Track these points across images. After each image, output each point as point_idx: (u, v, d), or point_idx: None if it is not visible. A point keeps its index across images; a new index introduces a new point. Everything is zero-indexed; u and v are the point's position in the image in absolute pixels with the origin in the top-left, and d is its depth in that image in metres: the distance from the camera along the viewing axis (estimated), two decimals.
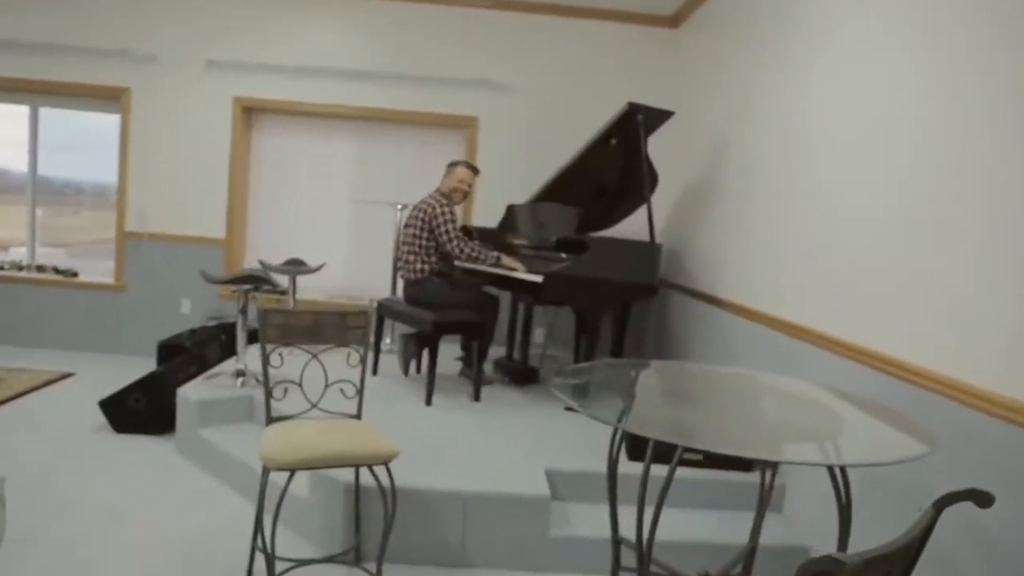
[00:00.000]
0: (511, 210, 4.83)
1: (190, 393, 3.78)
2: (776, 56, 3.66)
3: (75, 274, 5.80)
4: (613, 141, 4.47)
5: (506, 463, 3.10)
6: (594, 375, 2.54)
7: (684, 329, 4.70)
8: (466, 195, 4.34)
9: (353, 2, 5.50)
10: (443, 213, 4.09)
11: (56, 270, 5.80)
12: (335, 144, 5.77)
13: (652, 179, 4.46)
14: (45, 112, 5.77)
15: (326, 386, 2.76)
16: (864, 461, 1.67)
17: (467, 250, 4.08)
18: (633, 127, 4.24)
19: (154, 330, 5.58)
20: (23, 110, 5.76)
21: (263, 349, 2.61)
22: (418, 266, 4.16)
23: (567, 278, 3.80)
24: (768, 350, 3.42)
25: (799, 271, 3.20)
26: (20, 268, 5.82)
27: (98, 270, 5.83)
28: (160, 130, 5.58)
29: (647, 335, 5.54)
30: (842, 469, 1.84)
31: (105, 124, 5.74)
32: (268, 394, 2.60)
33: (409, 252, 4.19)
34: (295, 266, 5.07)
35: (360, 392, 2.74)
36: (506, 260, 4.14)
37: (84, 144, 5.82)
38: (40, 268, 5.83)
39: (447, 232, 4.08)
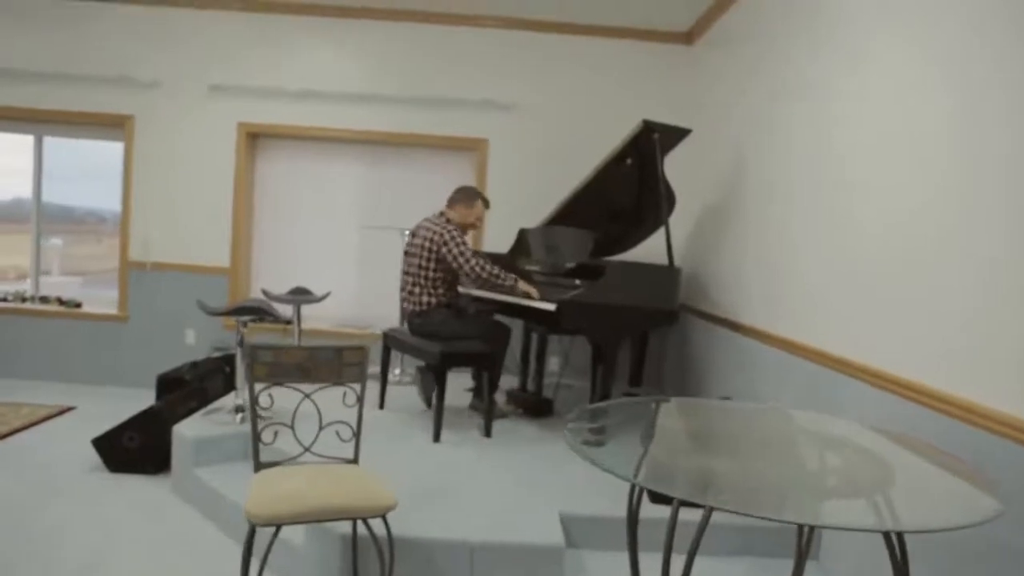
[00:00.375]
0: (523, 235, 4.63)
1: (185, 430, 3.60)
2: (798, 70, 3.46)
3: (78, 305, 5.67)
4: (628, 161, 4.28)
5: (517, 507, 2.87)
6: (611, 416, 2.32)
7: (706, 357, 4.46)
8: (475, 229, 4.17)
9: (357, 25, 5.38)
10: (452, 237, 3.88)
11: (60, 301, 5.68)
12: (342, 169, 5.63)
13: (670, 200, 4.26)
14: (62, 141, 5.68)
15: (320, 428, 2.56)
16: (925, 526, 1.43)
17: (489, 269, 3.85)
18: (649, 146, 4.05)
19: (158, 361, 5.41)
20: (29, 139, 5.68)
21: (251, 389, 2.42)
22: (424, 298, 3.95)
23: (581, 305, 3.59)
24: (797, 381, 3.18)
25: (830, 295, 2.97)
26: (24, 299, 5.70)
27: (109, 300, 5.70)
28: (163, 158, 5.47)
29: (667, 363, 5.30)
30: (899, 535, 1.60)
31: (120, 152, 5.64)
32: (256, 438, 2.41)
33: (414, 284, 3.98)
34: (300, 295, 4.90)
35: (357, 434, 2.54)
36: (523, 286, 3.93)
37: (104, 172, 5.72)
38: (44, 299, 5.71)
39: (462, 254, 3.85)
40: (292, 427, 2.51)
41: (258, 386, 2.41)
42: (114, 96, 5.41)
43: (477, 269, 3.84)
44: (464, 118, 5.38)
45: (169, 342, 5.52)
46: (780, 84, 3.67)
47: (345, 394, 2.55)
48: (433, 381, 4.14)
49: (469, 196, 4.11)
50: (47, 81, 5.39)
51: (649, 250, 4.50)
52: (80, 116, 5.44)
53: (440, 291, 3.94)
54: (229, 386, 4.69)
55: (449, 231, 3.90)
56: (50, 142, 5.69)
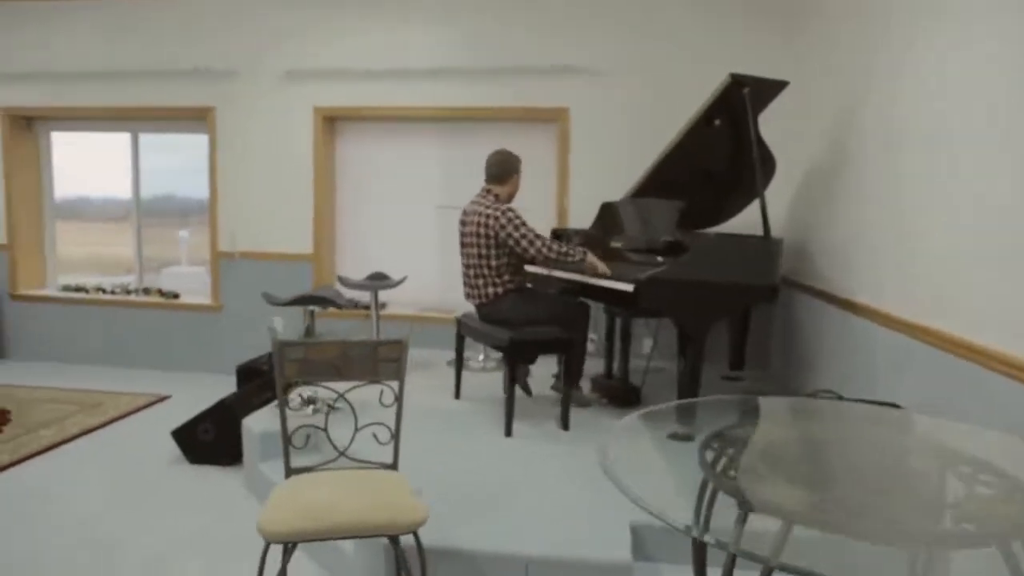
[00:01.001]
0: (604, 209, 4.27)
1: (253, 424, 3.53)
2: None
3: (176, 296, 5.81)
4: (717, 122, 3.82)
5: (584, 513, 2.57)
6: (700, 420, 1.97)
7: (815, 338, 3.96)
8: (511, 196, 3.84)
9: None
10: (511, 220, 3.54)
11: (160, 292, 5.85)
12: (419, 148, 5.44)
13: (766, 164, 3.78)
14: (160, 137, 5.83)
15: (355, 431, 2.35)
16: None
17: (556, 248, 3.52)
18: (738, 103, 3.59)
19: (249, 350, 5.45)
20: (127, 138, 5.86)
21: (279, 388, 2.24)
22: (488, 290, 3.66)
23: (661, 284, 3.21)
24: (923, 373, 2.68)
25: (972, 270, 2.45)
26: (128, 292, 5.91)
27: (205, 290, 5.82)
28: (244, 147, 5.47)
29: (772, 344, 4.80)
30: None
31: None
32: (286, 441, 2.23)
33: (476, 276, 3.69)
34: (377, 281, 4.77)
35: (396, 437, 2.31)
36: (591, 258, 3.58)
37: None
38: (146, 291, 5.89)
39: (524, 236, 3.52)
40: (326, 430, 2.32)
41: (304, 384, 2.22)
42: (196, 88, 5.45)
43: (544, 251, 3.52)
44: (542, 87, 5.05)
45: (259, 331, 5.55)
46: (905, 10, 3.10)
47: (382, 393, 2.33)
48: (523, 367, 3.89)
49: (510, 164, 3.77)
50: (137, 79, 5.50)
51: (749, 220, 4.02)
52: (167, 111, 5.54)
53: (505, 278, 3.64)
54: None
55: (504, 213, 3.56)
56: (149, 138, 5.84)
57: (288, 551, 1.90)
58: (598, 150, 5.02)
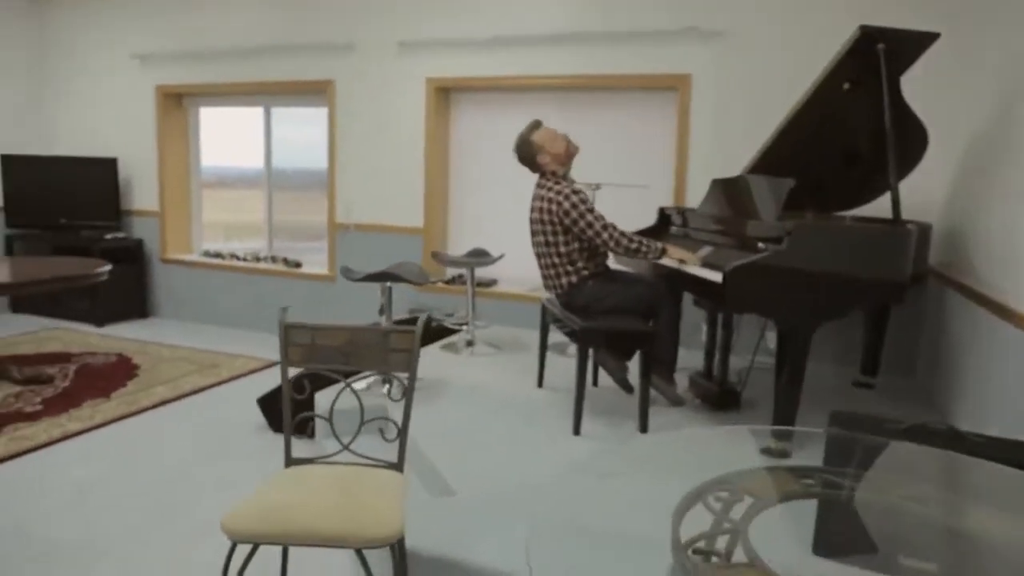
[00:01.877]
0: (714, 187, 3.81)
1: (323, 398, 3.49)
2: None
3: (299, 264, 6.00)
4: (846, 86, 3.24)
5: (632, 537, 2.24)
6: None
7: (964, 349, 3.30)
8: (572, 143, 3.40)
9: None
10: (571, 200, 3.20)
11: (285, 260, 6.07)
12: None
13: (911, 134, 3.17)
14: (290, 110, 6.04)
15: (361, 423, 2.19)
16: None
17: (624, 241, 3.18)
18: (871, 62, 3.00)
19: (358, 321, 5.53)
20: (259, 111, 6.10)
21: (284, 374, 2.12)
22: (563, 280, 3.35)
23: (755, 275, 2.76)
24: None
25: None
26: (258, 259, 6.19)
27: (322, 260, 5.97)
28: (360, 119, 5.49)
29: (920, 350, 4.11)
30: None
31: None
32: (288, 429, 2.11)
33: (547, 266, 3.39)
34: (476, 257, 4.61)
35: (402, 435, 2.12)
36: (674, 251, 3.19)
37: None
38: (273, 259, 6.14)
39: (590, 225, 3.18)
40: (330, 420, 2.17)
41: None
42: (318, 63, 5.53)
43: (612, 243, 3.16)
44: (663, 52, 4.59)
45: (369, 302, 5.58)
46: None
47: (391, 387, 2.14)
48: (615, 361, 3.57)
49: (527, 146, 3.38)
50: (269, 55, 5.67)
51: (908, 204, 3.40)
52: (295, 85, 5.67)
53: (579, 264, 3.31)
54: None
55: (566, 195, 3.21)
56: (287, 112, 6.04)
57: (250, 553, 1.76)
58: (722, 121, 4.50)
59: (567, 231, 3.24)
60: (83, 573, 2.48)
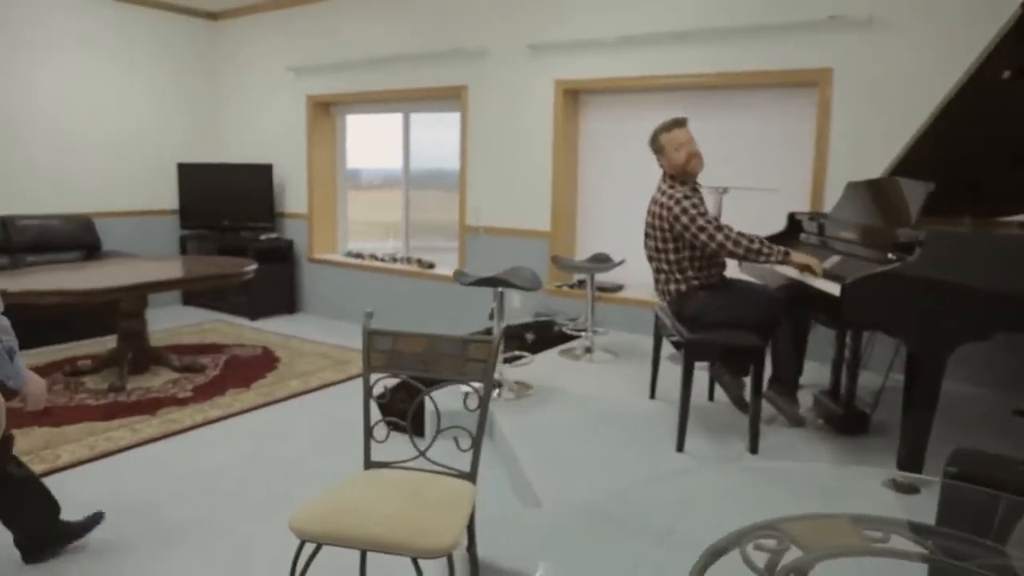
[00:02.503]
0: (848, 190, 3.50)
1: (430, 400, 3.56)
2: None
3: (432, 265, 6.19)
4: (1007, 74, 2.86)
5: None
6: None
7: None
8: (700, 156, 3.16)
9: None
10: (681, 205, 3.01)
11: (419, 262, 6.27)
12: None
13: None
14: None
15: (437, 431, 2.19)
16: None
17: (744, 241, 2.94)
18: None
19: (483, 322, 5.61)
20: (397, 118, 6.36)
21: (365, 379, 2.17)
22: (671, 287, 3.18)
23: (877, 289, 2.49)
24: None
25: None
26: (395, 259, 6.45)
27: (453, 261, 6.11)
28: (490, 123, 5.56)
29: None
30: None
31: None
32: (368, 434, 2.16)
33: (658, 271, 3.24)
34: (597, 262, 4.53)
35: (476, 444, 2.11)
36: (798, 257, 2.95)
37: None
38: (408, 260, 6.37)
39: (702, 227, 2.97)
40: (408, 426, 2.20)
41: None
42: (452, 69, 5.66)
43: (729, 245, 2.94)
44: (800, 46, 4.28)
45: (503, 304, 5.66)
46: None
47: (467, 396, 2.14)
48: (730, 377, 3.39)
49: (653, 141, 3.21)
50: (406, 63, 5.89)
51: None
52: (431, 92, 5.84)
53: (689, 274, 3.13)
54: (531, 351, 4.57)
55: (675, 198, 3.03)
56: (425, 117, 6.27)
57: (315, 551, 1.82)
58: (867, 119, 4.12)
59: (678, 238, 3.08)
60: (201, 550, 2.69)
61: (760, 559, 1.13)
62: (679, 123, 3.18)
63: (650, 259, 3.28)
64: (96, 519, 2.72)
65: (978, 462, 1.82)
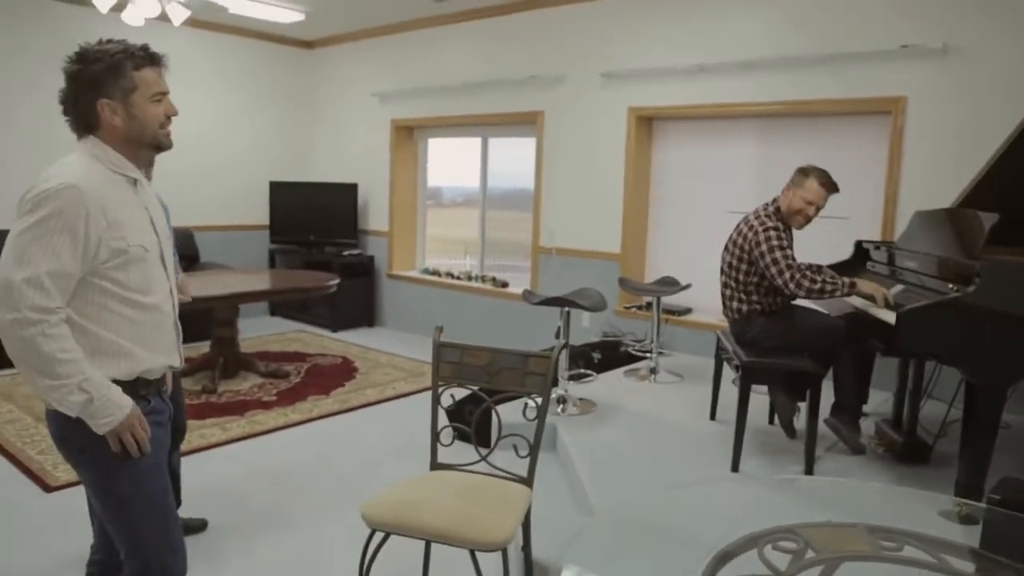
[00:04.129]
0: (915, 220, 3.51)
1: (494, 412, 3.73)
2: None
3: (505, 284, 6.39)
4: None
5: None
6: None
7: None
8: (810, 220, 3.24)
9: None
10: (767, 234, 3.11)
11: (493, 280, 6.49)
12: (734, 148, 5.07)
13: None
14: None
15: (498, 438, 2.36)
16: None
17: (805, 283, 3.01)
18: None
19: (553, 341, 5.75)
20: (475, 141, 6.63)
21: (434, 388, 2.36)
22: (735, 305, 3.28)
23: (934, 319, 2.53)
24: None
25: None
26: (470, 277, 6.69)
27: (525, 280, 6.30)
28: (565, 148, 5.74)
29: None
30: None
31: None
32: (435, 436, 2.35)
33: (725, 286, 3.34)
34: (664, 286, 4.63)
35: (534, 451, 2.27)
36: (864, 285, 2.99)
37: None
38: (483, 278, 6.60)
39: (775, 260, 3.05)
40: (472, 432, 2.37)
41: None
42: (530, 95, 5.88)
43: (796, 283, 3.01)
44: (874, 74, 4.30)
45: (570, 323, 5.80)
46: None
47: (526, 406, 2.30)
48: (787, 399, 3.45)
49: (799, 174, 3.24)
50: (485, 89, 6.16)
51: None
52: (509, 116, 6.08)
53: (755, 298, 3.22)
54: (600, 370, 4.69)
55: (765, 226, 3.12)
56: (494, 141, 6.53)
57: (383, 540, 2.01)
58: (941, 148, 4.10)
59: (752, 261, 3.19)
60: (279, 538, 2.93)
61: (780, 561, 1.25)
62: (829, 184, 3.20)
63: (721, 272, 3.39)
64: (200, 526, 2.98)
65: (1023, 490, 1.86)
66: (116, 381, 1.62)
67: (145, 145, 1.70)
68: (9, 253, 1.52)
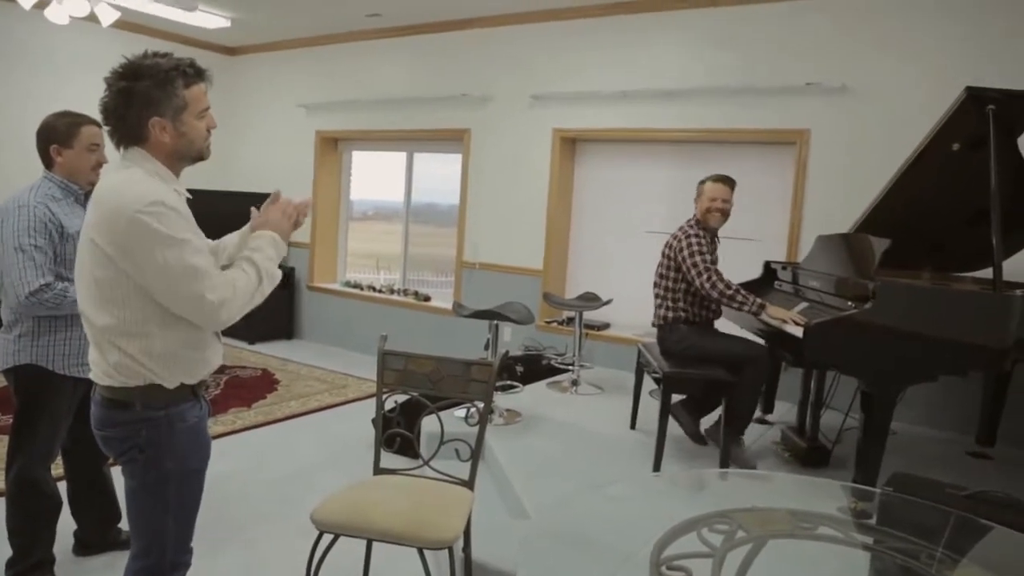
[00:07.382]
0: (818, 243, 3.83)
1: (425, 423, 3.80)
2: None
3: (427, 298, 6.46)
4: (956, 146, 3.21)
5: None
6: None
7: None
8: (725, 215, 3.52)
9: (668, 18, 5.03)
10: (688, 240, 3.38)
11: (416, 294, 6.55)
12: (652, 172, 5.35)
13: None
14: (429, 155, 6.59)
15: (440, 443, 2.45)
16: None
17: (720, 286, 3.28)
18: (982, 123, 2.97)
19: (477, 353, 5.86)
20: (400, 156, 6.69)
21: (378, 395, 2.43)
22: (662, 311, 3.52)
23: (835, 333, 2.80)
24: None
25: None
26: (392, 291, 6.72)
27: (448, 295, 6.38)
28: (491, 165, 5.89)
29: None
30: None
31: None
32: (379, 442, 2.41)
33: (655, 295, 3.58)
34: (585, 301, 4.82)
35: (475, 455, 2.37)
36: (773, 311, 3.25)
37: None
38: (405, 292, 6.64)
39: (694, 264, 3.33)
40: (416, 438, 2.45)
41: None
42: (457, 113, 6.01)
43: (711, 283, 3.27)
44: (783, 108, 4.65)
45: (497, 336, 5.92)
46: None
47: (468, 411, 2.40)
48: (688, 417, 3.66)
49: (697, 186, 3.59)
50: (413, 105, 6.24)
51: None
52: (434, 133, 6.18)
53: (681, 305, 3.46)
54: (519, 383, 4.82)
55: (688, 235, 3.40)
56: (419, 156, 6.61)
57: (331, 543, 2.06)
58: (840, 177, 4.48)
59: (678, 268, 3.43)
60: (212, 553, 2.90)
61: (716, 540, 1.40)
62: (721, 179, 3.53)
63: (655, 284, 3.60)
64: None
65: (911, 483, 2.10)
66: (183, 385, 1.68)
67: (189, 158, 1.73)
68: (180, 276, 1.55)
